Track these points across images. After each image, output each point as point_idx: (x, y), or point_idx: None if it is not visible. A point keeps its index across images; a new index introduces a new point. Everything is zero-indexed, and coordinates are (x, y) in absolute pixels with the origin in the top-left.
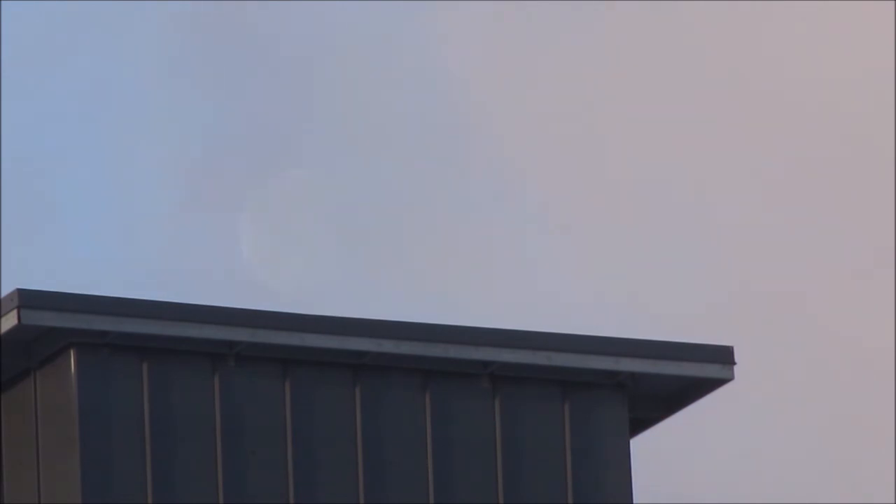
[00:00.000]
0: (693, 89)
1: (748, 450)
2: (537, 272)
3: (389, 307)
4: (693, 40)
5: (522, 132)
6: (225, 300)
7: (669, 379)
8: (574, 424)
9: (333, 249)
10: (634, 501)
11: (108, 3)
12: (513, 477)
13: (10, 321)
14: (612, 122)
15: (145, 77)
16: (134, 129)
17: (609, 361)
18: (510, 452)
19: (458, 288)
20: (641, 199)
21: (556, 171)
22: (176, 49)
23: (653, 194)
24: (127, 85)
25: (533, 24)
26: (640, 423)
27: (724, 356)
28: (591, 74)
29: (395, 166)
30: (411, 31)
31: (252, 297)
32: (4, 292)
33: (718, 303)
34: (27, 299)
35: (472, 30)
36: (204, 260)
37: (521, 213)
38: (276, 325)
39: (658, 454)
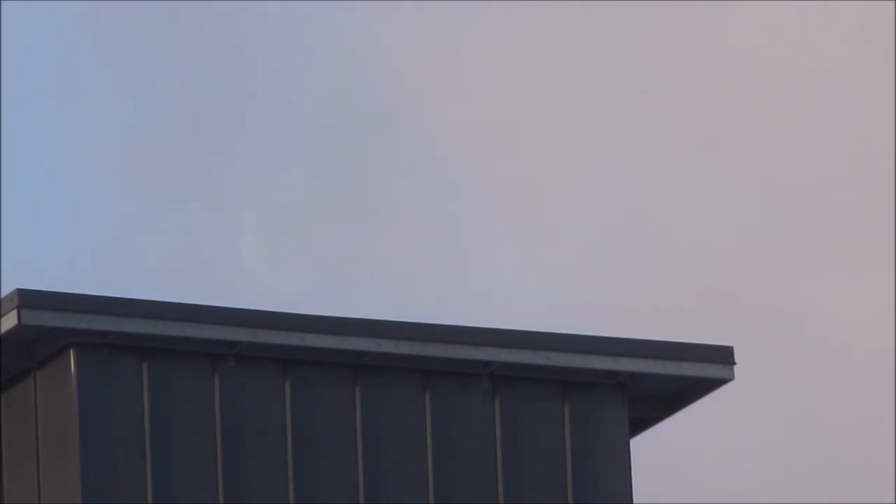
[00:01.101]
0: (674, 81)
1: (748, 450)
2: (472, 266)
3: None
4: (661, 29)
5: (478, 124)
6: (225, 300)
7: (669, 379)
8: (574, 424)
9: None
10: (634, 501)
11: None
12: (513, 477)
13: (10, 321)
14: (597, 122)
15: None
16: (80, 122)
17: (609, 361)
18: (510, 452)
19: (396, 281)
20: (627, 197)
21: (499, 164)
22: (128, 39)
23: (635, 192)
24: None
25: (479, 15)
26: (640, 423)
27: (724, 356)
28: (553, 64)
29: (343, 159)
30: (347, 18)
31: (250, 296)
32: (4, 292)
33: (712, 301)
34: (27, 299)
35: (413, 19)
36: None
37: (462, 207)
38: (276, 325)
39: (658, 454)
